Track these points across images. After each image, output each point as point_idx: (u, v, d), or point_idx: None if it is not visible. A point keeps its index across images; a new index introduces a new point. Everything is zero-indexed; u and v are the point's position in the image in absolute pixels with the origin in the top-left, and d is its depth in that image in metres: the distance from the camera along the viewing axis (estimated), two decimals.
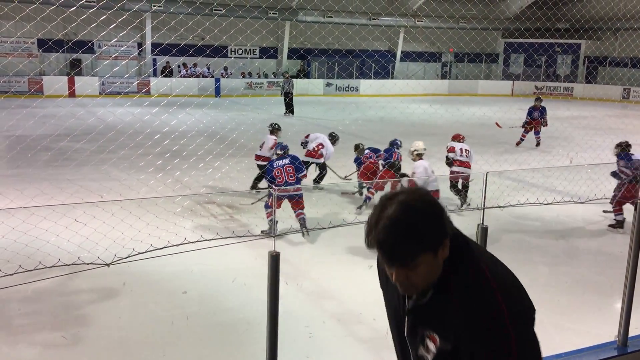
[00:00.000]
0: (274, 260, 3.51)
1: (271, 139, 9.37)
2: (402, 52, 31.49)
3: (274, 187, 7.41)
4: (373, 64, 29.73)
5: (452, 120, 19.32)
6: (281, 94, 21.77)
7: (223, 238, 3.77)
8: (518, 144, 15.22)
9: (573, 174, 10.74)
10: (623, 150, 8.57)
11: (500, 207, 3.85)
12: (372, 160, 9.33)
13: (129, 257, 3.68)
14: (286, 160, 7.60)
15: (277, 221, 7.31)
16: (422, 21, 29.14)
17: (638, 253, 3.97)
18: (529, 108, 15.43)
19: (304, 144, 10.08)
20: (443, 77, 33.19)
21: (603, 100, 28.60)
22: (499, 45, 33.80)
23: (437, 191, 7.50)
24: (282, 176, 7.44)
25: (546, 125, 15.18)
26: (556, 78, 32.49)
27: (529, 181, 10.59)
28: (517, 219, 8.64)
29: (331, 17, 26.61)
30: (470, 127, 17.99)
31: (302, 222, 7.42)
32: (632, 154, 8.45)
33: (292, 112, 20.94)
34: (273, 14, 25.77)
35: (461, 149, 9.32)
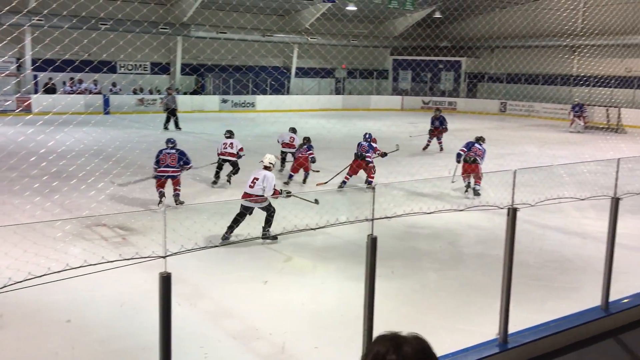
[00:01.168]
0: (165, 281, 3.39)
1: (236, 142, 12.11)
2: (296, 68, 31.94)
3: (157, 168, 9.79)
4: (268, 80, 29.90)
5: (347, 134, 19.82)
6: (165, 110, 21.09)
7: (109, 262, 3.57)
8: (425, 148, 17.40)
9: (457, 184, 11.40)
10: (477, 139, 11.67)
11: (387, 217, 4.00)
12: (304, 155, 11.97)
13: (4, 287, 3.37)
14: (173, 151, 9.94)
15: (163, 192, 9.70)
16: (314, 38, 29.76)
17: (512, 255, 4.28)
18: (431, 118, 17.77)
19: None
20: (337, 92, 34.03)
21: (483, 114, 30.67)
22: (388, 62, 35.28)
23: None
24: (165, 160, 9.79)
25: (446, 130, 17.41)
26: (441, 93, 34.47)
27: (418, 191, 11.08)
28: (409, 228, 8.99)
29: (224, 32, 26.44)
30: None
31: (176, 197, 9.87)
32: (478, 143, 11.54)
33: (178, 127, 20.53)
34: (163, 28, 25.15)
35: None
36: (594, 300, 5.35)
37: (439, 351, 1.85)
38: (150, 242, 7.32)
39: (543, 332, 4.40)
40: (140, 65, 28.15)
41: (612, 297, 5.31)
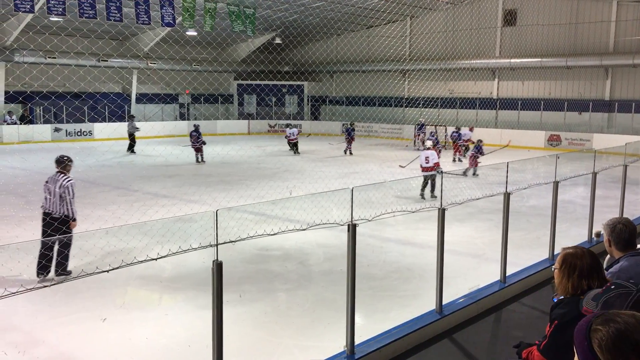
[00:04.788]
0: None
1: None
2: (137, 93, 30.76)
3: None
4: (107, 106, 28.39)
5: (194, 160, 19.47)
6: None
7: None
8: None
9: (300, 203, 11.66)
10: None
11: (231, 241, 3.97)
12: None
13: None
14: (195, 133, 19.04)
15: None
16: (155, 63, 28.94)
17: (354, 269, 4.47)
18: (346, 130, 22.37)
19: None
20: (182, 118, 33.31)
21: (328, 135, 31.97)
22: (233, 87, 35.42)
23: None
24: (191, 138, 19.47)
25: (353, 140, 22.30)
26: (286, 116, 35.33)
27: (269, 214, 11.15)
28: (260, 251, 8.99)
29: (55, 57, 24.70)
30: (214, 167, 18.39)
31: (200, 157, 19.02)
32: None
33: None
34: None
35: None
36: (432, 304, 5.76)
37: None
38: None
39: (386, 339, 4.63)
40: None
41: (446, 300, 5.77)
